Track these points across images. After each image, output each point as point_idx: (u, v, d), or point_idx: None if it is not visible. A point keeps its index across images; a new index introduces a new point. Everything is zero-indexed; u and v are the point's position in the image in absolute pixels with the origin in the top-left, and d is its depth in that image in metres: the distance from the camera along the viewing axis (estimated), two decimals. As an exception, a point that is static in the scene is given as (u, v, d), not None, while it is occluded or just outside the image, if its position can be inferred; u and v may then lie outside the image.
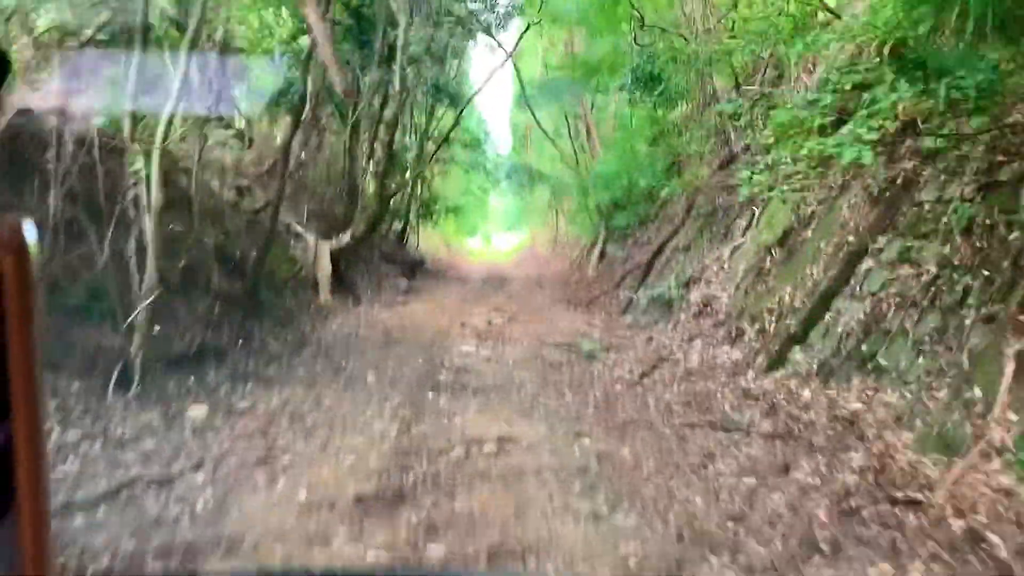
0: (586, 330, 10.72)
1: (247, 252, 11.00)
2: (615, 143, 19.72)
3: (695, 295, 9.94)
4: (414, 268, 20.48)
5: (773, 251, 8.79)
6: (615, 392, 7.34)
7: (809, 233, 8.34)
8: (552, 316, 12.27)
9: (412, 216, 23.03)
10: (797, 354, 7.14)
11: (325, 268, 13.61)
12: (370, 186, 14.17)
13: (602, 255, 18.22)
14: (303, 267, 13.09)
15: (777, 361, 7.30)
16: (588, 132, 23.94)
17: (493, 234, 47.49)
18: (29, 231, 0.53)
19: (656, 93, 13.19)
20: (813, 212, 8.47)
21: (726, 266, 10.04)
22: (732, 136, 10.94)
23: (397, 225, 22.35)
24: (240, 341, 8.98)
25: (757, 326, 8.01)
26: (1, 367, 0.51)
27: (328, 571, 3.19)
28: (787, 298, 7.77)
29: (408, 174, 15.74)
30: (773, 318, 7.76)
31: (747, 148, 10.65)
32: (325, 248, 13.87)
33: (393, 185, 14.44)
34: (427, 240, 29.94)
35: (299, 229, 14.08)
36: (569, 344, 9.71)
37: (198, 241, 9.97)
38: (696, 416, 6.35)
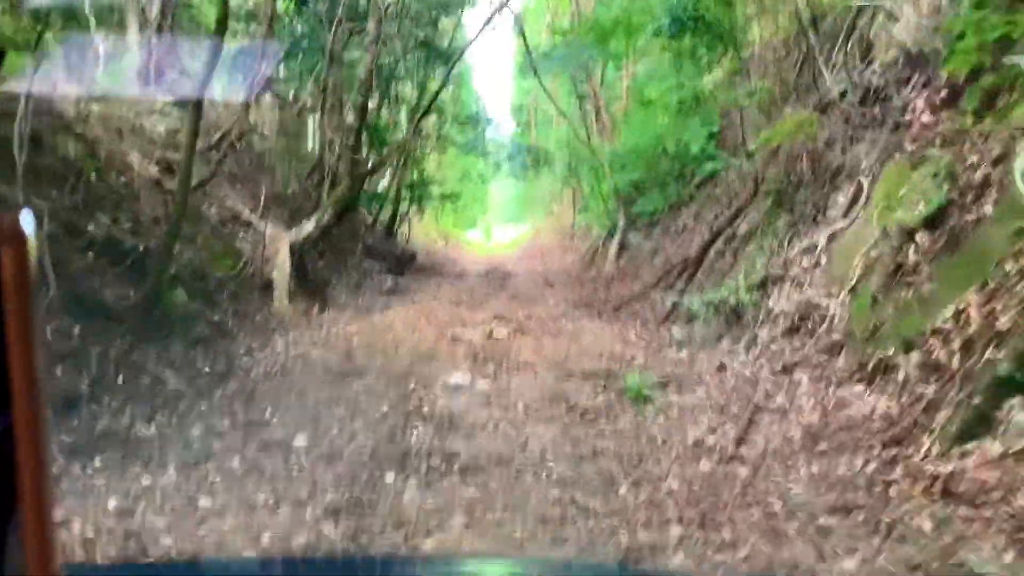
0: (622, 350, 7.57)
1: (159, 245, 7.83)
2: (636, 116, 16.53)
3: (781, 302, 6.80)
4: (403, 263, 17.33)
5: (917, 238, 5.64)
6: (702, 481, 4.19)
7: (988, 209, 5.18)
8: (571, 327, 9.13)
9: (403, 205, 19.85)
10: (1021, 412, 4.03)
11: (282, 265, 10.47)
12: (342, 163, 11.01)
13: (622, 247, 15.07)
14: (250, 264, 9.94)
15: (977, 423, 4.18)
16: (597, 112, 20.73)
17: (493, 226, 44.28)
18: (27, 223, 0.49)
19: (706, 33, 10.01)
20: (987, 178, 5.32)
21: (822, 260, 6.88)
22: (825, 75, 7.76)
23: (385, 215, 19.22)
24: (119, 378, 5.84)
25: (918, 357, 4.86)
26: (0, 361, 0.48)
27: (329, 560, 2.90)
28: (973, 313, 4.62)
29: (388, 149, 12.52)
30: (953, 346, 4.62)
31: (850, 88, 7.48)
32: (283, 240, 10.73)
33: (370, 162, 11.22)
34: (422, 232, 26.78)
35: (249, 216, 10.95)
36: (604, 374, 6.58)
37: (77, 229, 6.86)
38: (884, 558, 3.22)
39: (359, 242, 17.22)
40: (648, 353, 7.36)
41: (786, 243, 7.53)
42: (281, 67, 13.67)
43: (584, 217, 22.57)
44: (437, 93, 13.84)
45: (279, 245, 10.69)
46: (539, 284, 15.00)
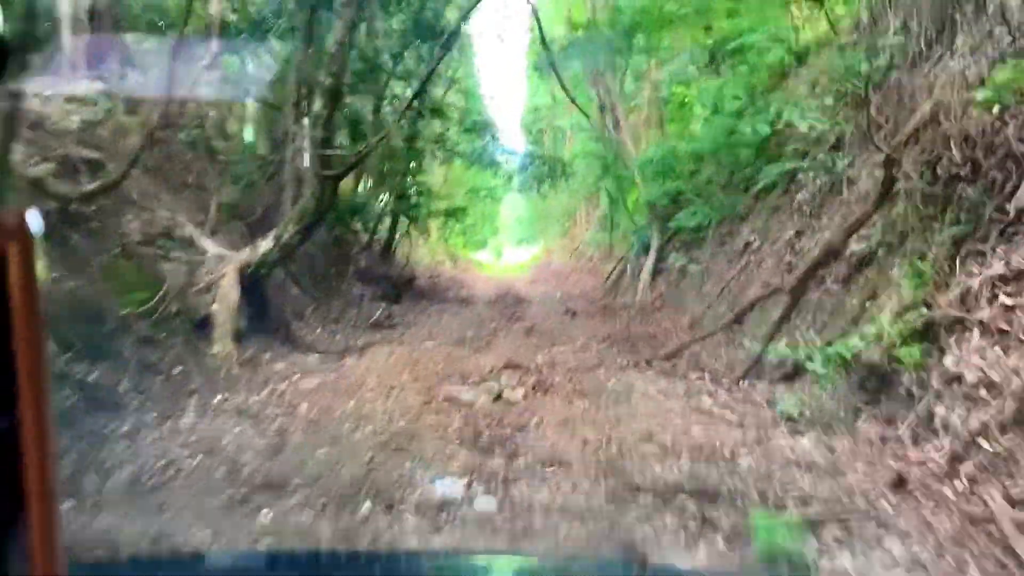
0: (706, 435, 4.72)
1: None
2: (677, 116, 13.81)
3: (970, 361, 4.01)
4: (400, 288, 14.59)
5: None
6: None
7: None
8: (614, 382, 6.33)
9: (404, 222, 17.13)
10: None
11: (227, 296, 7.73)
12: (307, 162, 8.31)
13: (658, 270, 12.27)
14: (177, 296, 7.20)
15: None
16: (616, 121, 18.03)
17: (504, 246, 41.62)
18: (33, 220, 0.50)
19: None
20: None
21: (1042, 295, 4.09)
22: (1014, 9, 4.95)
23: (383, 233, 16.51)
24: None
25: None
26: (6, 357, 0.48)
27: (333, 553, 2.84)
28: None
29: (369, 144, 9.78)
30: None
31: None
32: (232, 262, 8.01)
33: (343, 162, 8.45)
34: (428, 253, 24.04)
35: (190, 232, 8.23)
36: (696, 492, 3.75)
37: None
38: None
39: (350, 263, 14.55)
40: (750, 441, 4.52)
41: (958, 266, 4.71)
42: (253, 59, 11.08)
43: (604, 236, 19.79)
44: (430, 74, 11.13)
45: (226, 269, 7.97)
46: (558, 313, 12.20)
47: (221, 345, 7.50)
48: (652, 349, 8.03)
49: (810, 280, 6.06)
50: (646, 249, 13.99)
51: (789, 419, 4.88)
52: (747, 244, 9.25)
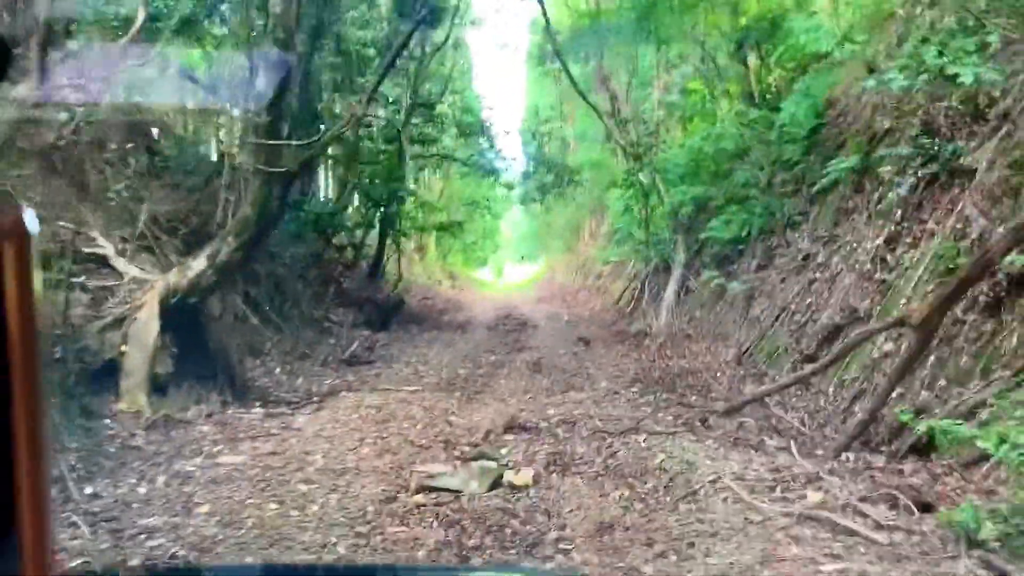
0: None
1: None
2: (700, 113, 11.92)
3: None
4: (386, 313, 12.62)
5: None
6: None
7: None
8: (669, 463, 4.31)
9: (396, 238, 15.21)
10: None
11: (143, 332, 5.80)
12: (246, 157, 6.39)
13: (685, 289, 10.32)
14: (72, 334, 5.25)
15: None
16: (624, 122, 16.12)
17: (505, 263, 39.76)
18: (30, 219, 0.49)
19: None
20: None
21: None
22: None
23: (370, 250, 14.57)
24: None
25: None
26: (1, 357, 0.47)
27: (329, 568, 2.83)
28: None
29: (329, 134, 7.83)
30: None
31: None
32: (154, 289, 6.07)
33: (295, 158, 6.48)
34: (424, 271, 22.09)
35: (105, 250, 6.30)
36: None
37: None
38: None
39: (329, 285, 12.60)
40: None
41: None
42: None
43: (614, 251, 17.84)
44: (403, 46, 9.25)
45: (144, 298, 6.03)
46: (568, 341, 10.22)
47: (129, 400, 5.55)
48: (699, 396, 6.06)
49: (950, 308, 4.08)
50: (667, 265, 12.06)
51: (974, 543, 2.90)
52: (807, 257, 7.30)
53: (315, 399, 6.59)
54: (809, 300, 6.68)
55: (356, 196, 12.50)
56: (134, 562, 3.15)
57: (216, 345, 7.04)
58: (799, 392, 5.51)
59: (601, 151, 21.50)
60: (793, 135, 8.97)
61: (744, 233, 9.10)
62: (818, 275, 6.85)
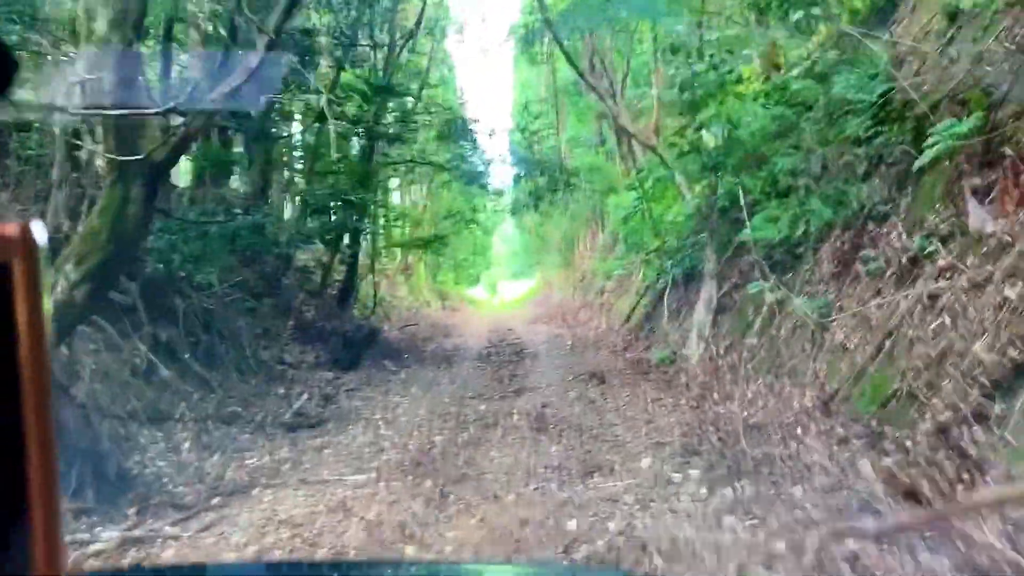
0: None
1: None
2: (718, 94, 9.72)
3: None
4: (357, 348, 10.36)
5: None
6: None
7: None
8: None
9: (367, 256, 12.94)
10: None
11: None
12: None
13: (720, 307, 8.06)
14: None
15: None
16: (616, 115, 13.95)
17: (498, 281, 37.63)
18: (39, 233, 0.47)
19: None
20: None
21: None
22: None
23: (340, 273, 12.31)
24: None
25: None
26: (11, 369, 0.46)
27: (334, 563, 2.83)
28: None
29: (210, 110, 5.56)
30: None
31: None
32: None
33: (166, 142, 4.25)
34: (411, 293, 19.81)
35: None
36: None
37: None
38: None
39: (289, 317, 10.33)
40: None
41: None
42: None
43: (618, 263, 15.61)
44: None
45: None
46: (577, 377, 7.95)
47: None
48: (799, 481, 3.79)
49: None
50: (689, 276, 9.83)
51: None
52: (915, 260, 5.08)
53: (217, 500, 4.32)
54: (936, 323, 4.45)
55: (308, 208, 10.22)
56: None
57: (80, 421, 4.76)
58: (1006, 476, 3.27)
59: (596, 155, 19.42)
60: (855, 106, 6.81)
61: (799, 232, 6.89)
62: (942, 283, 4.63)
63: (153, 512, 4.23)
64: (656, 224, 10.56)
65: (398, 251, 14.69)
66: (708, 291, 8.19)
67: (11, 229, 0.46)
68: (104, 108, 3.64)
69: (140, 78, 4.33)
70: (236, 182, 9.55)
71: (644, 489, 3.81)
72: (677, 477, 3.98)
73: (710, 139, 8.57)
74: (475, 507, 3.80)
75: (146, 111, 3.65)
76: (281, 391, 7.81)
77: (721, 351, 7.35)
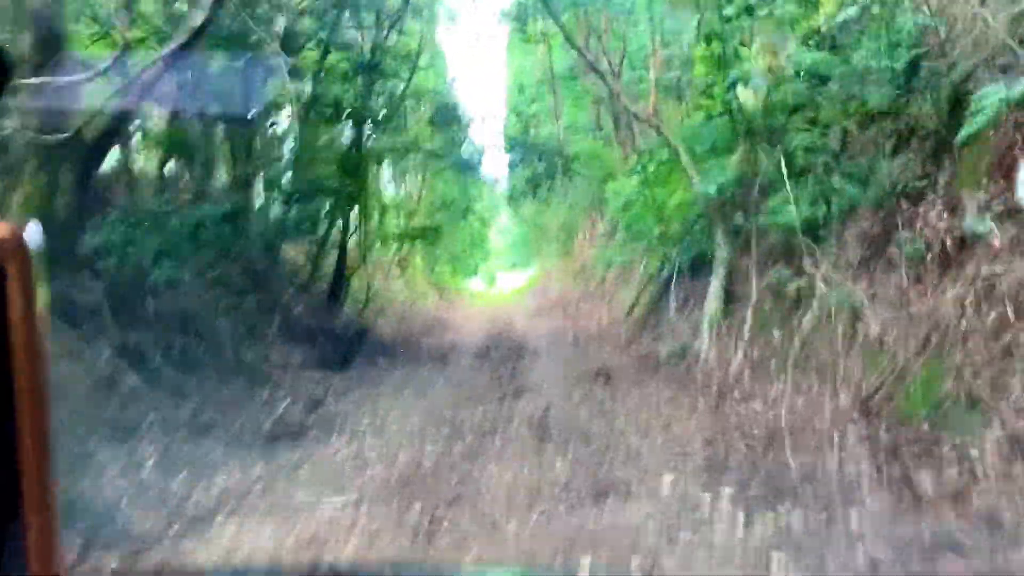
0: None
1: None
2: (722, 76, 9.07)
3: None
4: (348, 346, 9.78)
5: None
6: None
7: None
8: None
9: (362, 252, 12.34)
10: None
11: None
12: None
13: (731, 297, 7.46)
14: None
15: None
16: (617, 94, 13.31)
17: (496, 272, 36.98)
18: (32, 235, 0.48)
19: None
20: None
21: None
22: None
23: (328, 268, 11.71)
24: None
25: None
26: (6, 373, 0.47)
27: (333, 568, 2.56)
28: None
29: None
30: None
31: None
32: None
33: (92, 123, 3.61)
34: (407, 286, 19.18)
35: None
36: None
37: None
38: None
39: (275, 313, 9.74)
40: None
41: None
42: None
43: (619, 252, 15.00)
44: None
45: None
46: (582, 375, 7.36)
47: None
48: (847, 504, 3.21)
49: None
50: (695, 265, 9.24)
51: None
52: (962, 241, 4.48)
53: (175, 529, 3.74)
54: (995, 313, 3.86)
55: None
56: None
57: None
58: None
59: (594, 141, 18.76)
60: (882, 75, 6.19)
61: (820, 215, 6.30)
62: (998, 268, 4.04)
63: (102, 545, 3.65)
64: (659, 210, 9.94)
65: (393, 243, 14.01)
66: (720, 280, 7.59)
67: (3, 231, 0.45)
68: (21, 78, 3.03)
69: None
70: (216, 172, 8.94)
71: (669, 516, 3.23)
72: (706, 498, 3.40)
73: (747, 96, 7.82)
74: (470, 538, 3.22)
75: (71, 79, 3.03)
76: (264, 395, 7.22)
77: (737, 345, 6.76)
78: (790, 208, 6.59)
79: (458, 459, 4.59)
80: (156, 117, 8.26)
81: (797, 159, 7.00)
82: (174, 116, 6.77)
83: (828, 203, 6.24)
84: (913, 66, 6.10)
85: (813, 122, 7.15)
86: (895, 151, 5.84)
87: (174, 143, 7.19)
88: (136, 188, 7.22)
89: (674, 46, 11.87)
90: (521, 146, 11.36)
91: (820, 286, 5.63)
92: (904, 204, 5.34)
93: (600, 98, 19.77)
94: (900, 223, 5.26)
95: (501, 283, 35.42)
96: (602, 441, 4.61)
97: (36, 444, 0.47)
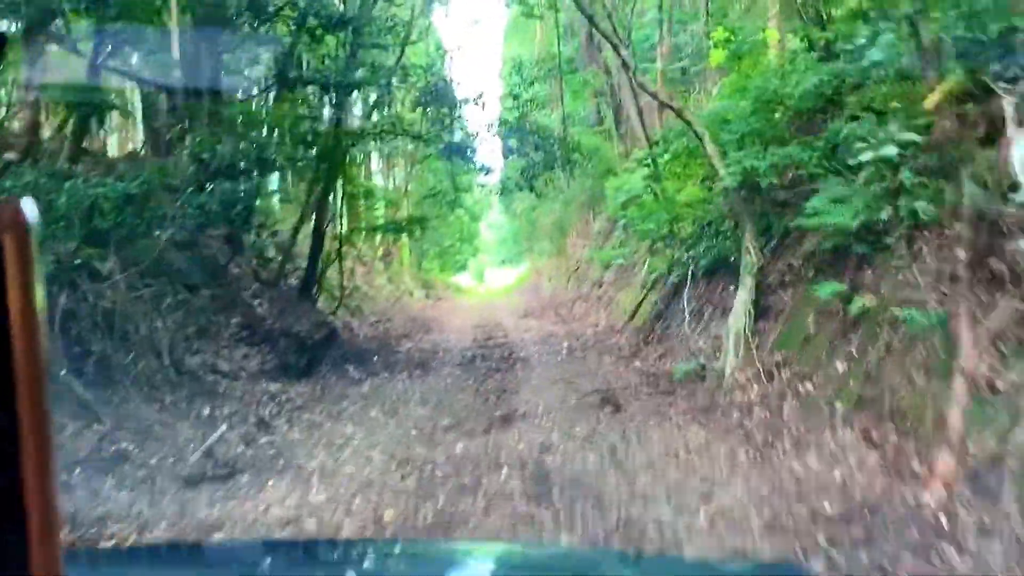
0: None
1: None
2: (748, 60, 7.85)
3: None
4: (313, 351, 8.50)
5: None
6: None
7: None
8: None
9: (334, 245, 11.00)
10: None
11: None
12: None
13: (762, 310, 6.22)
14: None
15: None
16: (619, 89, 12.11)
17: (486, 268, 35.83)
18: (30, 210, 0.45)
19: None
20: None
21: None
22: None
23: (299, 261, 10.39)
24: None
25: None
26: (4, 359, 0.43)
27: (331, 542, 2.76)
28: None
29: None
30: None
31: None
32: None
33: None
34: (391, 282, 17.90)
35: None
36: None
37: None
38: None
39: (236, 311, 8.45)
40: None
41: None
42: None
43: (619, 252, 13.74)
44: None
45: None
46: (581, 399, 6.10)
47: None
48: None
49: None
50: (714, 269, 8.00)
51: None
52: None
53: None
54: None
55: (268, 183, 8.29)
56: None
57: None
58: None
59: (594, 135, 17.50)
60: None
61: (883, 216, 5.06)
62: None
63: None
64: (671, 206, 8.69)
65: (376, 235, 12.70)
66: (748, 290, 6.35)
67: (2, 208, 0.44)
68: None
69: None
70: (159, 143, 7.60)
71: None
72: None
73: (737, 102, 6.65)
74: None
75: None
76: (203, 413, 5.95)
77: (773, 372, 5.53)
78: (842, 209, 5.38)
79: (424, 531, 3.33)
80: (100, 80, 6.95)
81: (853, 149, 5.77)
82: (94, 74, 5.43)
83: (895, 203, 5.01)
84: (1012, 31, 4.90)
85: (868, 108, 5.94)
86: (988, 139, 4.62)
87: (93, 105, 5.86)
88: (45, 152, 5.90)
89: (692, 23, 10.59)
90: (517, 133, 10.07)
91: (891, 305, 4.40)
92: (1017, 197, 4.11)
93: (601, 91, 18.57)
94: (1008, 229, 4.04)
95: (490, 279, 34.23)
96: (623, 512, 3.35)
97: (36, 439, 0.42)
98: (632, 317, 10.97)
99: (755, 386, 5.48)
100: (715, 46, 8.97)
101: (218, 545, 2.75)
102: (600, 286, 14.62)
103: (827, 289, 4.97)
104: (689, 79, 14.46)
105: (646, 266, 12.10)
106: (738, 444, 4.32)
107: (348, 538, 3.04)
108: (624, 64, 7.87)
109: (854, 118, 6.00)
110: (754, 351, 5.92)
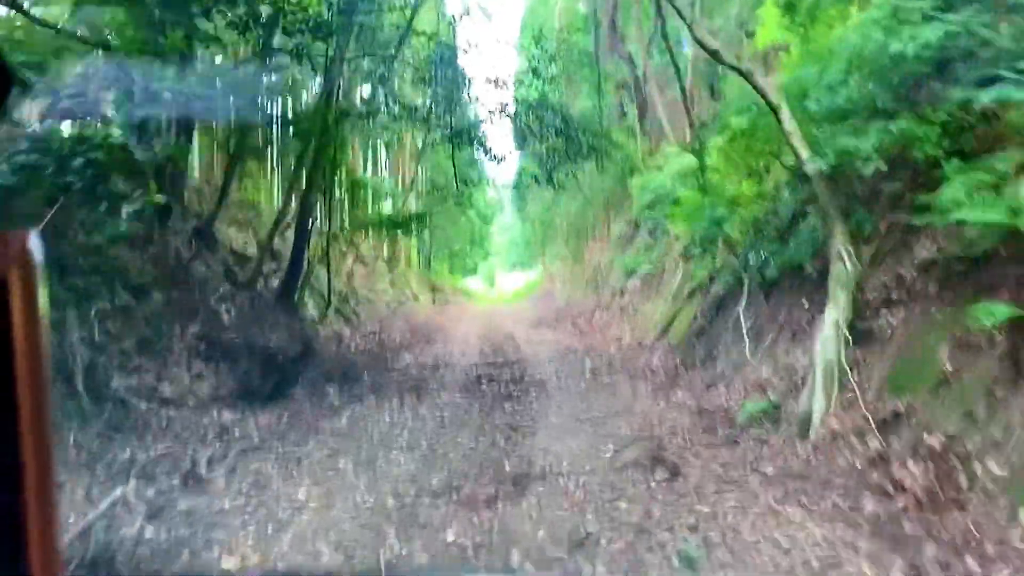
0: None
1: None
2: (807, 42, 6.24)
3: None
4: (287, 370, 6.95)
5: None
6: None
7: None
8: None
9: (324, 241, 9.46)
10: None
11: None
12: None
13: (861, 335, 4.63)
14: None
15: None
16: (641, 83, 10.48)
17: (496, 272, 34.33)
18: (35, 244, 0.46)
19: None
20: None
21: None
22: None
23: (283, 260, 8.87)
24: None
25: None
26: (8, 380, 0.44)
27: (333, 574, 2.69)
28: None
29: None
30: None
31: None
32: None
33: None
34: (393, 286, 16.36)
35: None
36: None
37: None
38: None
39: (192, 321, 6.90)
40: None
41: None
42: None
43: (644, 256, 12.14)
44: None
45: None
46: (624, 454, 4.55)
47: None
48: None
49: None
50: (770, 280, 6.39)
51: None
52: None
53: None
54: None
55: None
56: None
57: None
58: None
59: (617, 130, 15.92)
60: None
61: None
62: None
63: None
64: (719, 202, 7.08)
65: (372, 232, 11.17)
66: (840, 309, 4.74)
67: (8, 239, 0.44)
68: None
69: None
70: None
71: None
72: None
73: (828, 62, 5.08)
74: None
75: None
76: (123, 457, 4.43)
77: (886, 419, 3.93)
78: (993, 202, 3.79)
79: None
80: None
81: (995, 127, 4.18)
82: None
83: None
84: None
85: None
86: None
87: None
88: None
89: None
90: (535, 112, 8.49)
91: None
92: None
93: (623, 83, 16.99)
94: None
95: (501, 284, 32.72)
96: None
97: (37, 455, 0.43)
98: (664, 332, 9.38)
99: (866, 444, 3.89)
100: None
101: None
102: (622, 295, 13.02)
103: (994, 312, 3.37)
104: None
105: (678, 274, 10.52)
106: (885, 549, 2.73)
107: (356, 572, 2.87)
108: (679, 15, 6.25)
109: (988, 81, 4.40)
110: (856, 391, 4.33)
